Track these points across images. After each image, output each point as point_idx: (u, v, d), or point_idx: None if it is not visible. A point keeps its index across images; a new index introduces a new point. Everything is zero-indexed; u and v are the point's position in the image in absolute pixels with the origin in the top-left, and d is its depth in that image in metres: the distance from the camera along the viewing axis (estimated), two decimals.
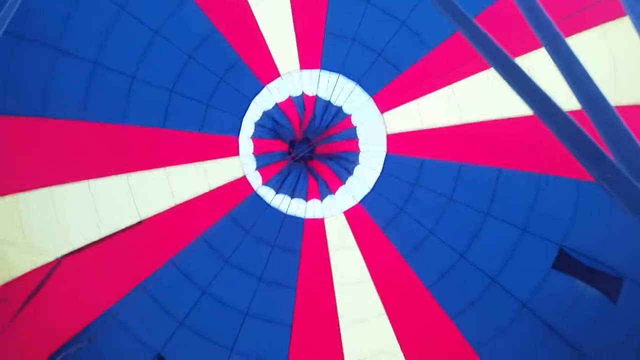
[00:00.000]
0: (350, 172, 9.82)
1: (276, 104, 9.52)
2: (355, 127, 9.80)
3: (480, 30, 3.20)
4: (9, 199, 7.29)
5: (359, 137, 9.83)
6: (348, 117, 9.73)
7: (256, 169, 9.63)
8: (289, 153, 9.85)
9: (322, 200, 9.87)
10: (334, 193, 9.91)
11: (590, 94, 2.67)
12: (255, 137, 9.54)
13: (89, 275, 8.19)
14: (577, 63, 2.79)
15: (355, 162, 9.80)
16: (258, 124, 9.50)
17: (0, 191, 7.22)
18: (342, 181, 9.88)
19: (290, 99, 9.57)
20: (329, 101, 9.63)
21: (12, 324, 6.96)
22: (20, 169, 7.40)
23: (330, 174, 9.93)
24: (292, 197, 9.73)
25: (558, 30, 2.90)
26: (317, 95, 9.55)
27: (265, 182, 9.66)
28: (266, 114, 9.51)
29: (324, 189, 9.96)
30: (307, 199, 9.85)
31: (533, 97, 2.82)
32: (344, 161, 9.84)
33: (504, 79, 2.97)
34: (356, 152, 9.79)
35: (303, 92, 9.54)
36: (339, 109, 9.67)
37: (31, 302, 7.32)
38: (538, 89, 2.84)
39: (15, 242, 7.11)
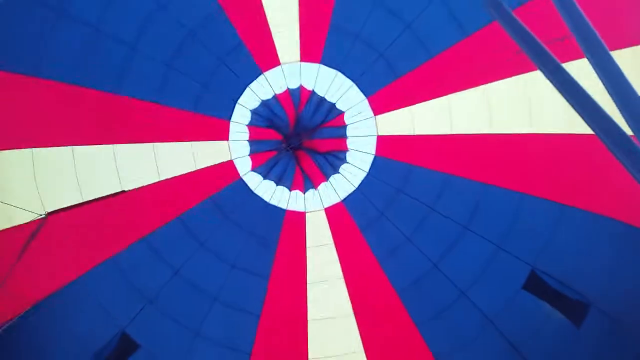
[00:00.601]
0: (335, 170, 9.87)
1: (274, 95, 9.48)
2: (346, 126, 9.80)
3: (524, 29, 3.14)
4: None
5: (348, 136, 9.84)
6: (341, 114, 9.74)
7: (249, 154, 9.63)
8: (282, 143, 9.78)
9: (304, 193, 9.89)
10: (316, 188, 9.92)
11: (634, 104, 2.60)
12: (251, 125, 9.52)
13: (62, 241, 8.05)
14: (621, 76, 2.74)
15: (343, 160, 9.83)
16: (255, 112, 9.46)
17: None
18: (326, 177, 9.90)
19: (288, 91, 9.52)
20: (323, 97, 9.62)
21: None
22: (3, 126, 7.19)
23: (315, 168, 9.94)
24: (277, 184, 9.73)
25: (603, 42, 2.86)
26: (313, 90, 9.52)
27: (255, 168, 9.63)
28: (264, 104, 9.47)
29: (308, 183, 9.97)
30: (290, 189, 9.86)
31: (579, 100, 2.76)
32: (332, 158, 9.85)
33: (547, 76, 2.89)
34: (344, 150, 9.82)
35: (301, 85, 9.50)
36: (333, 105, 9.67)
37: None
38: (585, 93, 2.79)
39: None
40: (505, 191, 8.37)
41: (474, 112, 8.55)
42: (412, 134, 9.15)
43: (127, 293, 8.40)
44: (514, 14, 3.20)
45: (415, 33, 8.35)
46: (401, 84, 8.87)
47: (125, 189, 8.43)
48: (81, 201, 7.93)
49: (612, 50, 2.80)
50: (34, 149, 7.51)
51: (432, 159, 9.12)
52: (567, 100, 2.75)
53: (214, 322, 8.80)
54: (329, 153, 9.98)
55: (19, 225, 7.25)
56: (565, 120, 6.83)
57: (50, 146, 7.71)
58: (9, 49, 6.92)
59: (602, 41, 2.85)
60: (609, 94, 2.67)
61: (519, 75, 7.76)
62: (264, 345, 8.86)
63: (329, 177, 9.90)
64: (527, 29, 3.03)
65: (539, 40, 2.87)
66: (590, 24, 2.95)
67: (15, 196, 7.30)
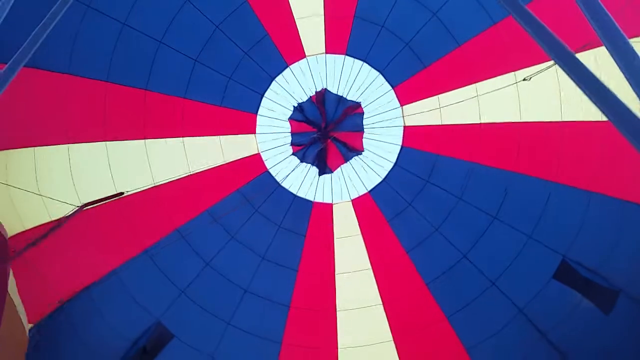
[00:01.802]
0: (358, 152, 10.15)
1: (309, 98, 9.95)
2: (363, 115, 10.01)
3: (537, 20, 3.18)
4: (26, 151, 7.43)
5: (365, 128, 10.03)
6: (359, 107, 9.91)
7: (290, 144, 10.09)
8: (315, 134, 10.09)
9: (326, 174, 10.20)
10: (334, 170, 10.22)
11: None
12: (292, 119, 10.02)
13: (97, 233, 8.38)
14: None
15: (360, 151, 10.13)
16: (296, 109, 10.02)
17: (19, 143, 7.34)
18: (345, 160, 10.22)
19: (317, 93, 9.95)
20: (342, 96, 9.90)
21: (19, 276, 7.15)
22: (40, 123, 7.55)
23: (338, 156, 10.18)
24: (313, 164, 10.20)
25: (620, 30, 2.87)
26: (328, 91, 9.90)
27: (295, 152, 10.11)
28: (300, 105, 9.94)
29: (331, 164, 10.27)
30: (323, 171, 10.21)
31: (592, 88, 2.80)
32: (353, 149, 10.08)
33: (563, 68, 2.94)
34: (360, 149, 10.14)
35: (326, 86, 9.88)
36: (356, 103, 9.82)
37: (39, 255, 7.48)
38: (598, 81, 2.83)
39: (30, 194, 7.23)
40: (534, 180, 8.33)
41: (503, 100, 8.48)
42: (439, 123, 9.13)
43: (160, 285, 8.69)
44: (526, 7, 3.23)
45: (442, 21, 8.33)
46: (428, 73, 8.88)
47: (157, 183, 8.68)
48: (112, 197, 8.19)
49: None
50: (70, 145, 7.81)
51: (460, 148, 9.12)
52: (581, 89, 2.79)
53: (244, 312, 9.06)
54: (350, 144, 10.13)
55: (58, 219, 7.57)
56: (595, 108, 6.74)
57: (85, 142, 7.99)
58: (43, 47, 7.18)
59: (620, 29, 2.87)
60: (627, 79, 2.70)
61: (549, 62, 7.65)
62: (294, 334, 9.06)
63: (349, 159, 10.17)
64: (539, 20, 3.07)
65: (552, 32, 2.89)
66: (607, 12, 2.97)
67: (52, 191, 7.62)
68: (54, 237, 7.24)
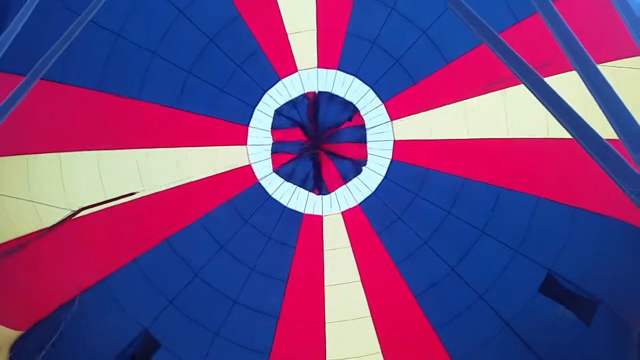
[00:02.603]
0: (356, 173, 10.02)
1: (294, 98, 9.72)
2: (365, 127, 9.92)
3: (505, 45, 3.45)
4: (18, 159, 7.52)
5: (368, 140, 9.96)
6: (358, 113, 9.85)
7: (270, 155, 9.86)
8: (304, 144, 10.01)
9: (322, 196, 10.09)
10: (331, 192, 10.10)
11: (624, 119, 2.82)
12: (273, 128, 9.78)
13: (85, 242, 8.43)
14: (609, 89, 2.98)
15: (362, 163, 10.02)
16: (278, 113, 9.71)
17: (11, 150, 7.43)
18: (345, 181, 10.10)
19: (309, 94, 9.78)
20: (342, 97, 9.78)
21: (7, 286, 7.21)
22: (33, 131, 7.66)
23: (334, 172, 10.15)
24: (301, 186, 9.99)
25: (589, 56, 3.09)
26: (332, 92, 9.75)
27: (276, 169, 9.92)
28: (284, 106, 9.72)
29: (325, 186, 10.17)
30: (312, 191, 10.09)
31: (560, 111, 3.04)
32: (351, 161, 10.03)
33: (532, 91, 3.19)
34: (364, 156, 10.01)
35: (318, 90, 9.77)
36: (351, 104, 9.79)
37: (25, 265, 7.54)
38: (565, 104, 3.06)
39: (22, 201, 7.31)
40: (521, 195, 8.56)
41: (492, 117, 8.73)
42: (428, 138, 9.34)
43: (149, 294, 8.77)
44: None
45: (431, 39, 8.60)
46: (417, 89, 9.13)
47: (148, 192, 8.78)
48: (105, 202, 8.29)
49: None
50: (61, 153, 7.90)
51: (449, 163, 9.33)
52: (546, 108, 3.06)
53: (233, 323, 9.13)
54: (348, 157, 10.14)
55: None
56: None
57: (76, 150, 8.09)
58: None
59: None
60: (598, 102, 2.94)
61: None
62: (282, 346, 9.13)
63: (349, 181, 10.07)
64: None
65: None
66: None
67: (44, 198, 7.69)
68: (43, 244, 7.32)
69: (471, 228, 9.22)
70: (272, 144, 9.78)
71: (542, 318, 8.07)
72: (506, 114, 8.44)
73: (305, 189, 9.99)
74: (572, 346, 7.66)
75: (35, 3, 4.36)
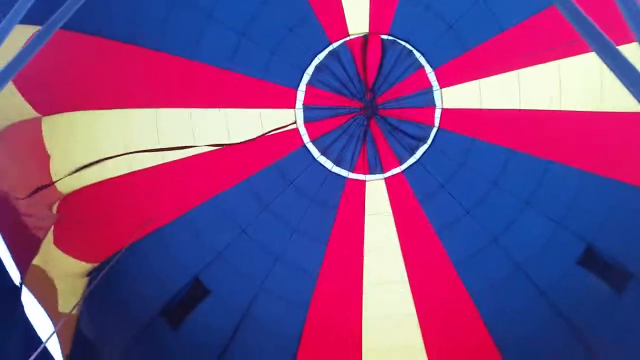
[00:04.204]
0: (412, 152, 9.83)
1: (344, 43, 9.28)
2: (432, 89, 9.43)
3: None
4: (79, 114, 8.16)
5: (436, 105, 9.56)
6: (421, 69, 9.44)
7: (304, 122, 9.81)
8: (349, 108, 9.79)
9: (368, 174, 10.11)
10: (385, 172, 10.05)
11: None
12: (312, 85, 9.53)
13: (142, 198, 9.09)
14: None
15: (424, 140, 9.74)
16: (319, 67, 9.43)
17: (71, 107, 8.05)
18: (400, 162, 9.95)
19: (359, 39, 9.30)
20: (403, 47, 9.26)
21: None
22: (94, 87, 8.22)
23: (388, 151, 9.98)
24: (336, 164, 9.96)
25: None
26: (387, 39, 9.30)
27: (314, 140, 9.96)
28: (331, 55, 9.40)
29: (376, 167, 10.11)
30: (352, 171, 10.07)
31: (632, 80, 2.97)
32: (409, 137, 9.81)
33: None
34: (430, 124, 9.61)
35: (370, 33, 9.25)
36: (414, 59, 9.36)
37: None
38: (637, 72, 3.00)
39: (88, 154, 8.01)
40: (568, 168, 8.53)
41: (545, 88, 8.63)
42: (478, 107, 9.33)
43: (198, 246, 9.42)
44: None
45: (488, 5, 8.45)
46: (470, 57, 9.05)
47: (197, 152, 9.30)
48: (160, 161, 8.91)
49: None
50: (122, 110, 8.49)
51: (497, 133, 9.35)
52: (621, 81, 3.05)
53: (275, 278, 9.75)
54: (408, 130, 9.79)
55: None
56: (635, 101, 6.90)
57: (136, 107, 8.66)
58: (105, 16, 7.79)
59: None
60: None
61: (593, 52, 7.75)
62: (320, 302, 9.68)
63: (404, 161, 9.90)
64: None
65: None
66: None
67: (106, 153, 8.38)
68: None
69: (516, 200, 9.31)
70: (305, 107, 9.59)
71: (578, 289, 8.30)
72: (560, 86, 8.34)
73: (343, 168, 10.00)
74: (605, 317, 7.89)
75: None
